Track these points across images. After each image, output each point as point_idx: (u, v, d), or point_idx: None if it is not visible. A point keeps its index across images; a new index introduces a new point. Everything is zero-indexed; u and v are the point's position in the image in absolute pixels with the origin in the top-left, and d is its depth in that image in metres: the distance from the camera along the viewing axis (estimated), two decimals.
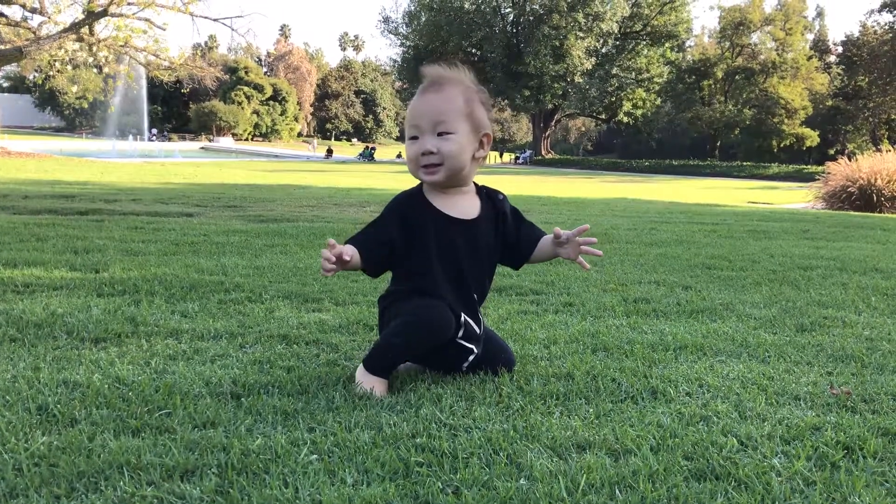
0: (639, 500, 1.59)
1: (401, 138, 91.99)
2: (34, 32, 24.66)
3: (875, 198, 17.46)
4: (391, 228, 2.35)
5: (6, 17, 25.05)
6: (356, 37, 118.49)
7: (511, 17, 64.63)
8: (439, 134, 2.30)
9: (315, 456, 1.75)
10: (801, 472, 1.75)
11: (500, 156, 70.35)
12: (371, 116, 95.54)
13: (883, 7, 61.80)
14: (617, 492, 1.62)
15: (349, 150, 73.72)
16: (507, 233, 2.49)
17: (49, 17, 24.80)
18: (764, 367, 2.65)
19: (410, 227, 2.36)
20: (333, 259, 2.18)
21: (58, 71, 26.82)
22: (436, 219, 2.37)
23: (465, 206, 2.42)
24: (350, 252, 2.23)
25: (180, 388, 2.19)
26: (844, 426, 2.05)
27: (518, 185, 23.66)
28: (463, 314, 2.37)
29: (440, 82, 2.34)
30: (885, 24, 63.22)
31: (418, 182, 2.43)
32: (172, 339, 2.80)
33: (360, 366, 2.31)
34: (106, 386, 2.18)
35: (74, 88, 42.38)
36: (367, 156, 57.73)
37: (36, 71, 28.18)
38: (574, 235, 2.42)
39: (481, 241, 2.43)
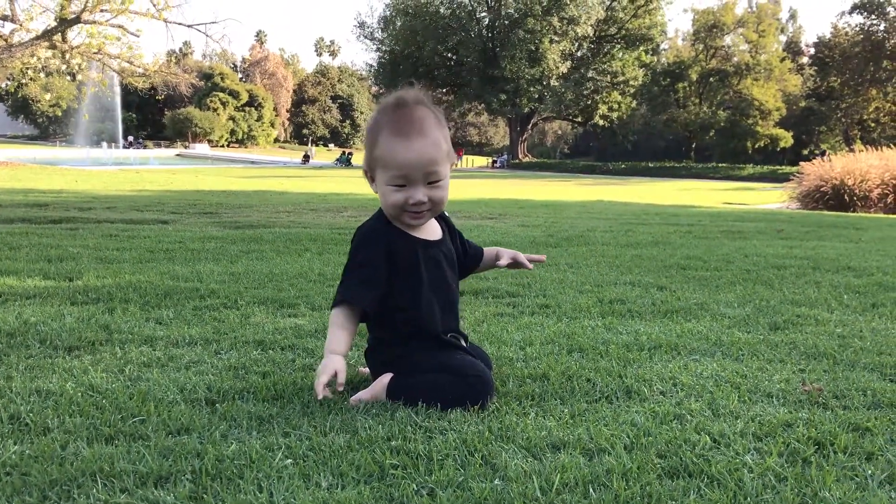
0: (612, 499, 1.60)
1: None
2: (6, 40, 24.44)
3: (848, 197, 17.68)
4: (382, 267, 2.25)
5: None
6: (332, 42, 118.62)
7: (486, 21, 64.71)
8: (429, 182, 2.21)
9: (290, 460, 1.75)
10: (772, 468, 1.77)
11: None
12: (348, 121, 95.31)
13: (854, 9, 62.52)
14: (591, 490, 1.63)
15: (326, 155, 73.50)
16: (457, 248, 2.50)
17: (21, 25, 24.58)
18: (737, 366, 2.67)
19: (396, 260, 2.26)
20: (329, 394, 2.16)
21: (30, 79, 26.65)
22: (419, 246, 2.30)
23: (432, 228, 2.39)
24: (340, 363, 2.14)
25: (154, 394, 2.18)
26: (816, 422, 2.07)
27: (495, 189, 23.71)
28: (456, 334, 2.38)
29: (423, 122, 2.19)
30: (856, 26, 64.00)
31: (378, 211, 2.34)
32: (147, 346, 2.78)
33: (367, 391, 2.23)
34: (79, 394, 2.17)
35: (48, 96, 42.13)
36: (345, 161, 57.62)
37: (8, 79, 27.90)
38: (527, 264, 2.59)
39: (451, 259, 2.43)
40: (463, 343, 2.39)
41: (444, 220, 2.46)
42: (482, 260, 2.60)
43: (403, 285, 2.27)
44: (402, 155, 2.17)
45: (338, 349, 2.16)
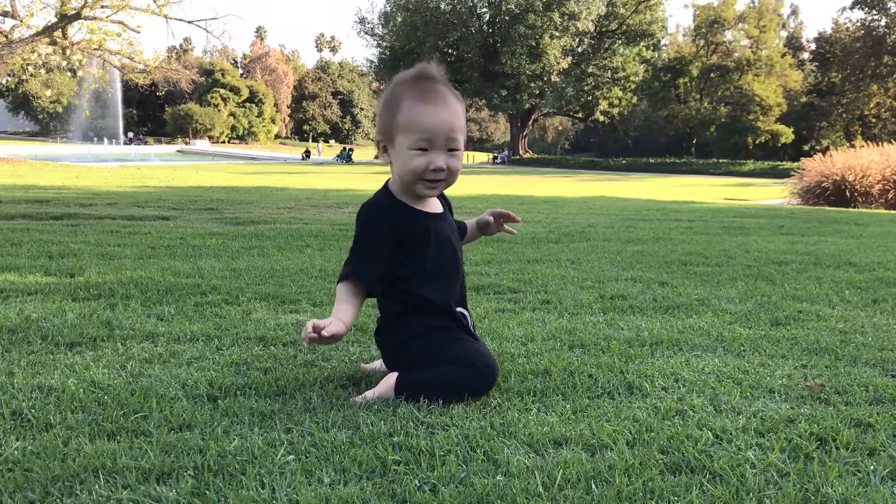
0: (615, 494, 1.60)
1: None
2: (6, 36, 24.43)
3: (849, 193, 17.67)
4: (385, 244, 2.27)
5: None
6: (332, 38, 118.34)
7: (487, 17, 64.69)
8: (449, 150, 2.25)
9: (292, 456, 1.75)
10: (775, 463, 1.77)
11: None
12: (349, 117, 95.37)
13: (855, 4, 62.44)
14: (593, 486, 1.63)
15: (327, 151, 73.50)
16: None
17: (21, 21, 24.56)
18: (739, 361, 2.67)
19: (403, 236, 2.27)
20: (316, 335, 2.07)
21: (31, 75, 26.63)
22: (427, 218, 2.33)
23: (434, 203, 2.41)
24: (342, 328, 2.11)
25: (156, 391, 2.18)
26: (818, 418, 2.07)
27: (496, 185, 23.70)
28: (463, 310, 2.41)
29: (445, 94, 2.26)
30: (857, 21, 63.95)
31: (382, 188, 2.37)
32: (148, 342, 2.78)
33: (373, 392, 2.22)
34: (81, 390, 2.17)
35: (48, 92, 42.10)
36: (345, 157, 57.64)
37: (9, 75, 27.87)
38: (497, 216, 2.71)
39: (454, 232, 2.47)
40: (470, 322, 2.41)
41: (443, 198, 2.49)
42: (467, 233, 2.70)
43: (413, 260, 2.29)
44: (428, 118, 2.21)
45: (342, 317, 2.15)
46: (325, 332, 2.05)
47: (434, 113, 2.22)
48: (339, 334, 2.08)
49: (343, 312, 2.17)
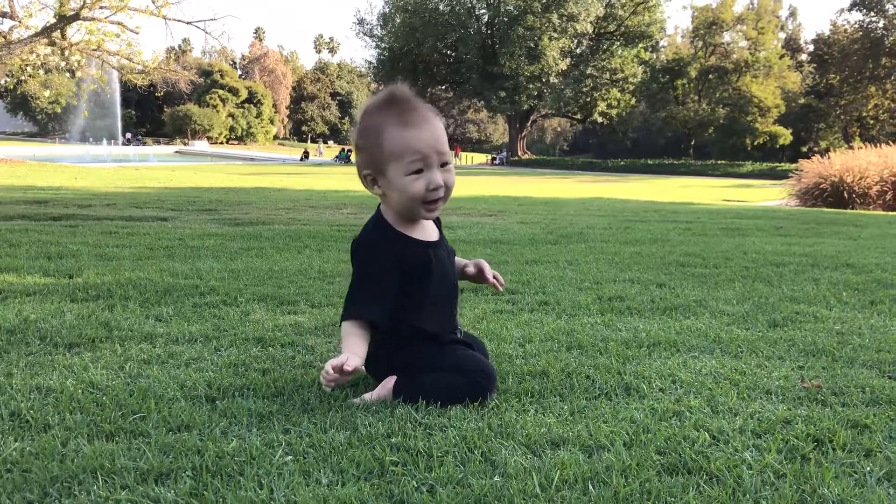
0: (612, 495, 1.60)
1: None
2: (5, 37, 24.40)
3: (847, 194, 17.69)
4: (390, 278, 2.22)
5: None
6: (331, 39, 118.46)
7: (486, 18, 64.66)
8: (442, 165, 2.20)
9: (290, 457, 1.75)
10: (771, 464, 1.77)
11: None
12: (347, 118, 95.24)
13: (853, 6, 62.48)
14: (590, 487, 1.64)
15: (326, 152, 73.46)
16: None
17: (20, 22, 24.54)
18: (736, 363, 2.68)
19: (407, 268, 2.23)
20: (337, 376, 2.03)
21: (30, 75, 26.61)
22: (428, 248, 2.29)
23: (430, 229, 2.37)
24: (359, 362, 2.07)
25: (155, 391, 2.19)
26: (815, 419, 2.08)
27: (495, 186, 23.70)
28: (457, 330, 2.40)
29: (424, 112, 2.21)
30: (855, 23, 63.96)
31: (376, 218, 2.30)
32: (147, 343, 2.79)
33: (372, 394, 2.22)
34: (80, 391, 2.17)
35: (47, 93, 42.01)
36: (344, 158, 57.64)
37: (7, 76, 27.87)
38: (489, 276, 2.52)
39: (451, 258, 2.44)
40: (460, 335, 2.41)
41: (436, 221, 2.44)
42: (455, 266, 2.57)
43: (414, 291, 2.25)
44: (417, 138, 2.16)
45: (357, 352, 2.11)
46: (346, 368, 2.00)
47: (420, 133, 2.17)
48: (358, 369, 2.06)
49: (356, 346, 2.13)
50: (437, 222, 2.45)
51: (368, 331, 2.19)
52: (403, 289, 2.23)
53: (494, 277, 2.53)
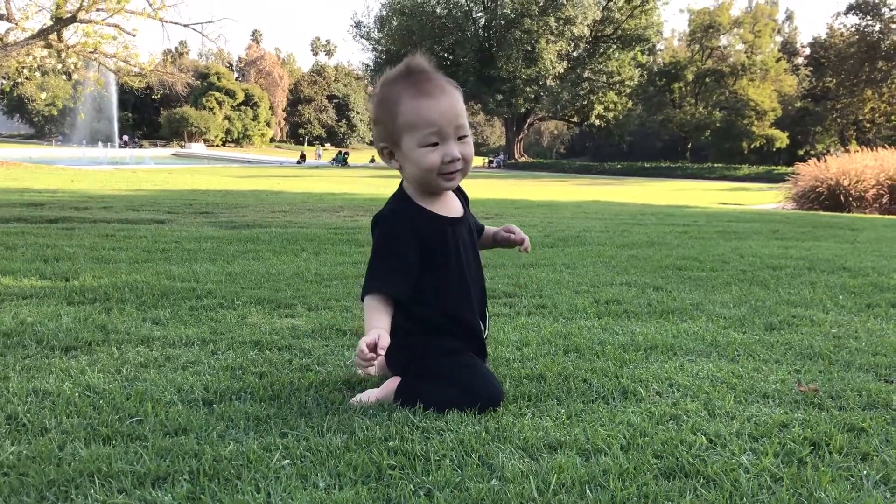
0: (609, 499, 1.60)
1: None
2: (1, 39, 24.40)
3: (843, 198, 17.72)
4: (411, 252, 2.18)
5: None
6: (328, 41, 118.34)
7: (483, 21, 64.71)
8: (459, 138, 2.18)
9: (287, 461, 1.75)
10: (768, 468, 1.78)
11: None
12: (344, 121, 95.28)
13: (849, 10, 62.59)
14: (588, 491, 1.64)
15: (324, 154, 73.51)
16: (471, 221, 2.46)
17: (17, 24, 24.53)
18: (733, 366, 2.68)
19: (427, 242, 2.20)
20: (374, 355, 1.96)
21: (26, 78, 26.61)
22: (447, 225, 2.26)
23: (454, 204, 2.33)
24: (386, 337, 2.01)
25: (152, 395, 2.19)
26: (811, 423, 2.08)
27: (492, 189, 23.72)
28: (482, 320, 2.36)
29: (441, 82, 2.18)
30: (852, 27, 64.02)
31: (399, 193, 2.28)
32: (144, 346, 2.78)
33: (376, 391, 2.22)
34: (76, 394, 2.17)
35: (43, 95, 42.02)
36: (341, 160, 57.65)
37: (4, 78, 27.89)
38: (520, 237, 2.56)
39: (473, 235, 2.40)
40: (484, 331, 2.37)
41: (460, 192, 2.42)
42: (482, 236, 2.56)
43: (434, 271, 2.21)
44: (433, 109, 2.13)
45: (380, 325, 2.05)
46: (380, 350, 1.96)
47: (437, 104, 2.14)
48: (384, 336, 2.00)
49: (382, 321, 2.08)
50: (465, 199, 2.43)
51: (391, 306, 2.13)
52: (426, 268, 2.19)
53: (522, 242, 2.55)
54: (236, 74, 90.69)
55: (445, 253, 2.23)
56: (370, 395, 2.20)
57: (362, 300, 2.16)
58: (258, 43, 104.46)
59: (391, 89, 2.19)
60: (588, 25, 61.39)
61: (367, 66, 72.37)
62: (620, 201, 17.43)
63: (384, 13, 66.81)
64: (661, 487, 1.66)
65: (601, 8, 63.40)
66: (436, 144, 2.15)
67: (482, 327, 2.37)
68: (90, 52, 25.34)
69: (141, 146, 66.76)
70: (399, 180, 2.34)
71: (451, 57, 65.72)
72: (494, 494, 1.61)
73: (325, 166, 53.78)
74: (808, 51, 73.39)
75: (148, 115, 78.45)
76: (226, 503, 1.54)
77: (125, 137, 68.06)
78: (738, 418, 2.12)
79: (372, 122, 2.28)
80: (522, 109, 65.91)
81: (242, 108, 78.94)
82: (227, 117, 76.95)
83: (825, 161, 19.34)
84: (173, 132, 72.47)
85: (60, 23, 24.13)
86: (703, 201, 20.69)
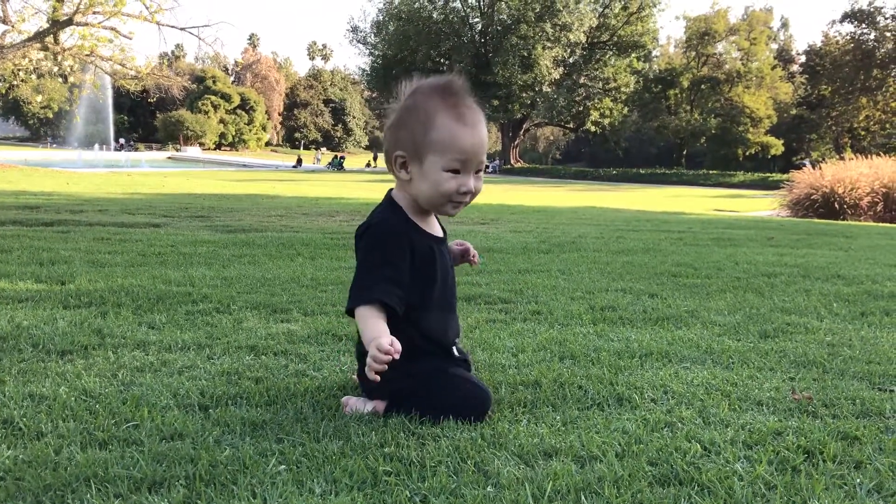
0: None
1: (371, 146, 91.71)
2: None
3: (838, 205, 17.76)
4: (403, 263, 2.12)
5: None
6: (324, 46, 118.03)
7: (479, 27, 64.77)
8: (476, 172, 2.16)
9: (283, 466, 1.75)
10: (762, 476, 1.78)
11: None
12: (340, 125, 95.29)
13: (844, 17, 62.72)
14: (583, 498, 1.64)
15: (322, 158, 73.46)
16: None
17: (13, 26, 24.49)
18: (728, 374, 2.69)
19: (417, 257, 2.15)
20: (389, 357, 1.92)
21: (22, 80, 26.50)
22: (433, 242, 2.23)
23: (437, 224, 2.31)
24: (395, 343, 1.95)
25: (148, 399, 2.19)
26: (805, 431, 2.09)
27: (488, 194, 23.68)
28: (459, 344, 2.33)
29: (479, 113, 2.15)
30: (847, 35, 64.15)
31: (388, 203, 2.23)
32: (139, 350, 2.78)
33: (361, 399, 2.21)
34: (72, 398, 2.17)
35: (39, 98, 41.79)
36: (337, 165, 57.62)
37: None
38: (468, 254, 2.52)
39: (451, 259, 2.38)
40: (463, 353, 2.33)
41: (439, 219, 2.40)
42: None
43: (421, 288, 2.17)
44: (467, 140, 2.10)
45: (386, 331, 1.99)
46: (397, 347, 1.92)
47: (472, 135, 2.10)
48: (394, 340, 1.95)
49: (378, 329, 2.00)
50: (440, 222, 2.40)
51: (386, 316, 2.05)
52: (413, 284, 2.14)
53: (472, 256, 2.53)
54: (232, 78, 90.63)
55: (433, 270, 2.20)
56: (366, 407, 2.18)
57: (349, 312, 2.09)
58: (255, 47, 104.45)
59: (427, 101, 2.12)
60: (584, 32, 61.47)
61: (364, 70, 72.26)
62: (616, 207, 17.45)
63: (381, 18, 66.84)
64: (656, 494, 1.67)
65: (597, 14, 63.50)
66: (457, 172, 2.12)
67: (460, 348, 2.33)
68: (86, 55, 25.30)
69: (136, 149, 66.66)
70: (387, 188, 2.31)
71: (447, 62, 65.76)
72: (490, 501, 1.61)
73: (322, 170, 53.76)
74: (803, 58, 73.47)
75: (143, 118, 78.35)
76: None
77: (121, 140, 67.96)
78: (732, 426, 2.12)
79: (392, 125, 2.18)
80: (518, 115, 65.96)
81: (238, 111, 78.90)
82: (222, 121, 76.89)
83: (820, 168, 19.39)
84: (169, 135, 72.37)
85: (57, 25, 24.09)
86: (698, 208, 20.73)
